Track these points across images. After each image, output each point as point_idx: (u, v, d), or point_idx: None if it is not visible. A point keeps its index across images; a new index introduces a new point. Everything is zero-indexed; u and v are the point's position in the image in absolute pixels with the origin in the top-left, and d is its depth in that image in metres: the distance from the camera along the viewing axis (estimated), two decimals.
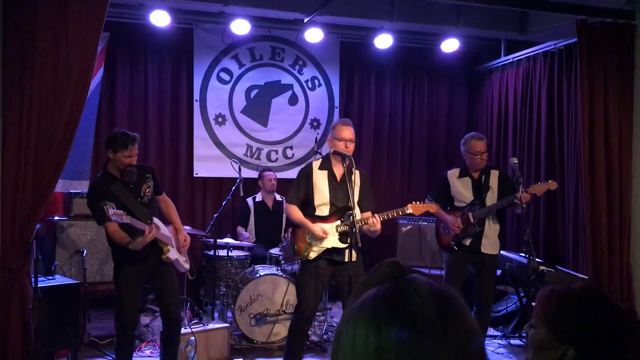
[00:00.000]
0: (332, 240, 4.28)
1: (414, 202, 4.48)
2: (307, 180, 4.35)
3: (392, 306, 0.82)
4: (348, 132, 4.30)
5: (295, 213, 4.34)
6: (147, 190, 4.25)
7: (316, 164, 4.41)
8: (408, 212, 4.41)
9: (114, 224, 3.97)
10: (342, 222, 4.28)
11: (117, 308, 4.31)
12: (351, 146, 4.30)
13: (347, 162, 4.20)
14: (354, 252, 4.20)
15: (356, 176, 4.35)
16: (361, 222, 4.22)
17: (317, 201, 4.32)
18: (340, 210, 4.30)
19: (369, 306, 0.84)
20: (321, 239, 4.26)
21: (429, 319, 0.80)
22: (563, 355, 1.61)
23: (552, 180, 4.96)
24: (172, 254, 4.22)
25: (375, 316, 0.82)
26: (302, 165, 4.95)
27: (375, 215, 4.25)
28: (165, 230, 4.30)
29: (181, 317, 4.48)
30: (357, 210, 4.26)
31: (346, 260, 4.19)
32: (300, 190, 4.36)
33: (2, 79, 4.06)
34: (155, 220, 4.23)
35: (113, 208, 3.82)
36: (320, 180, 4.34)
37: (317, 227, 4.24)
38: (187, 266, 4.45)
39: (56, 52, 4.10)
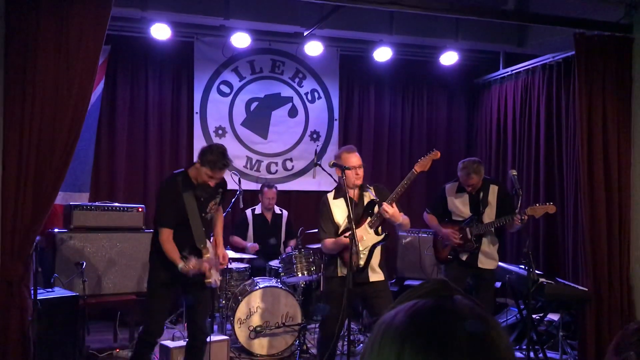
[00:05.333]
0: (371, 238, 4.26)
1: (419, 160, 4.37)
2: (328, 214, 4.36)
3: (424, 323, 0.78)
4: (355, 159, 4.30)
5: (328, 244, 4.33)
6: (213, 206, 4.18)
7: (330, 196, 4.42)
8: (417, 172, 4.29)
9: (169, 230, 3.90)
10: (371, 218, 4.26)
11: (144, 313, 4.21)
12: (361, 172, 4.31)
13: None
14: (377, 273, 4.28)
15: (372, 193, 4.34)
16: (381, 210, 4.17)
17: (340, 230, 4.34)
18: (362, 216, 4.30)
19: (400, 319, 0.80)
20: (360, 243, 4.18)
21: (461, 346, 0.75)
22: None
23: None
24: (214, 278, 4.13)
25: (403, 330, 0.78)
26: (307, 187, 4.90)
27: (384, 204, 4.16)
28: (212, 253, 4.19)
29: (207, 330, 4.41)
30: (367, 232, 4.27)
31: (371, 280, 4.26)
32: (327, 225, 4.36)
33: (4, 91, 4.09)
34: (208, 244, 4.15)
35: (190, 261, 3.79)
36: (338, 210, 4.34)
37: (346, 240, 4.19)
38: (218, 283, 4.35)
39: (57, 64, 4.13)
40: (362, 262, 4.26)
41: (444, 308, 0.79)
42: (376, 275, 4.32)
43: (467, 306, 0.80)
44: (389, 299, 4.27)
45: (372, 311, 4.48)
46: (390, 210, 4.13)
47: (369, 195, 4.33)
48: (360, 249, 4.22)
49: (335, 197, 4.38)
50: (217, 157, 3.91)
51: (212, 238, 4.38)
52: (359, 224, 4.28)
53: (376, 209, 4.25)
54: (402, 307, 0.81)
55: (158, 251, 4.06)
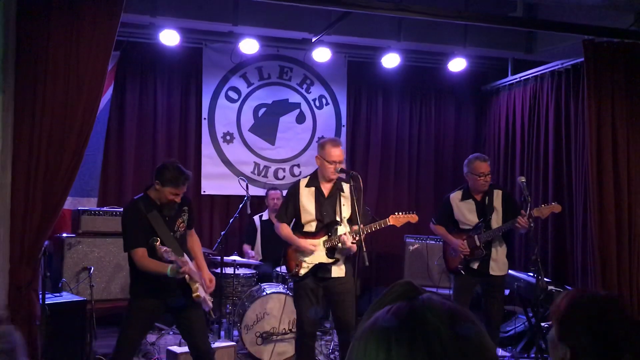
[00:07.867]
0: (320, 256, 4.33)
1: (395, 214, 4.46)
2: (294, 199, 4.40)
3: (404, 324, 0.81)
4: (338, 153, 4.31)
5: (284, 230, 4.42)
6: (181, 225, 4.06)
7: (303, 182, 4.46)
8: (390, 224, 4.39)
9: (142, 249, 3.76)
10: (329, 237, 4.33)
11: (121, 339, 3.99)
12: (340, 167, 4.31)
13: (354, 181, 4.26)
14: (341, 269, 4.29)
15: (346, 190, 4.37)
16: (339, 238, 4.25)
17: (304, 219, 4.38)
18: (326, 226, 4.35)
19: (381, 324, 0.83)
20: (309, 255, 4.31)
21: (443, 338, 0.79)
22: (563, 356, 1.64)
23: (559, 200, 4.95)
24: (201, 291, 4.00)
25: (386, 334, 0.81)
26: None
27: (346, 233, 4.25)
28: (192, 266, 4.06)
29: (211, 349, 4.24)
30: (345, 226, 4.31)
31: (333, 276, 4.29)
32: (288, 208, 4.42)
33: (14, 96, 4.11)
34: (185, 257, 4.01)
35: (162, 245, 3.66)
36: (307, 198, 4.37)
37: (305, 242, 4.32)
38: (210, 304, 4.18)
39: (67, 70, 4.16)
40: (302, 272, 4.33)
41: (421, 307, 0.83)
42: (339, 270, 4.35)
43: (441, 302, 0.84)
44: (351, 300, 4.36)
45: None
46: (348, 244, 4.19)
47: (343, 195, 4.32)
48: (306, 261, 4.31)
49: (307, 185, 4.41)
50: (175, 172, 3.88)
51: (193, 262, 4.19)
52: (317, 233, 4.35)
53: (340, 230, 4.26)
54: (379, 314, 0.85)
55: (138, 280, 3.91)
